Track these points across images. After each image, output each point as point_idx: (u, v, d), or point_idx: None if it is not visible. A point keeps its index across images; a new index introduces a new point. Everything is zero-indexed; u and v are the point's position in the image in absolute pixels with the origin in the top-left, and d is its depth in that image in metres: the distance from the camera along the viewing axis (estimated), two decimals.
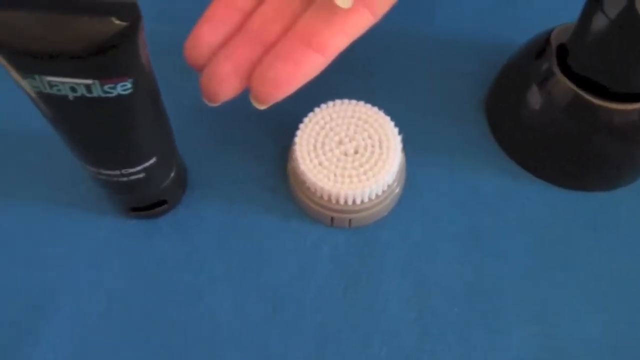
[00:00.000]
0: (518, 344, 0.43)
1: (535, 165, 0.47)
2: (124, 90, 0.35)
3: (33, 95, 0.36)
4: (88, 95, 0.35)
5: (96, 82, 0.34)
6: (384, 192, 0.44)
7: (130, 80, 0.35)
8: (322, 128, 0.44)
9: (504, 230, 0.46)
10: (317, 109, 0.45)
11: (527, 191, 0.47)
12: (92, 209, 0.47)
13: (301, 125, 0.44)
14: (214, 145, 0.48)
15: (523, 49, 0.48)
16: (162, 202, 0.45)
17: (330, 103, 0.45)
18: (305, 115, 0.45)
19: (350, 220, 0.45)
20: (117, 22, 0.32)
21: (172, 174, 0.44)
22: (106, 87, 0.35)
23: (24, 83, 0.35)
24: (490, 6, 0.54)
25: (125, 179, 0.41)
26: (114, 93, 0.35)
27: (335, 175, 0.43)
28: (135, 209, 0.45)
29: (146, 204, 0.45)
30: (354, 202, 0.44)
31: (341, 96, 0.46)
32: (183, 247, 0.46)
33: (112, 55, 0.33)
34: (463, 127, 0.49)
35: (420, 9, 0.53)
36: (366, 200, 0.44)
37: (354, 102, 0.45)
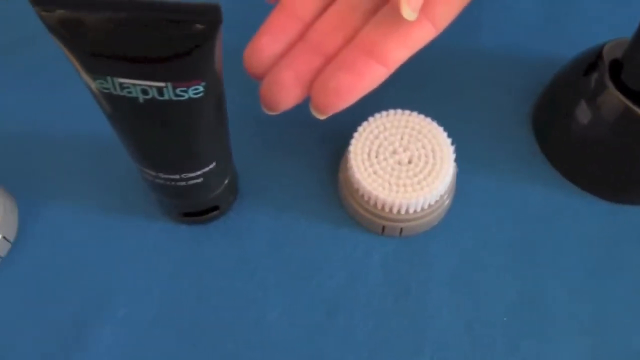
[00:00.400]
0: (567, 355, 0.43)
1: (583, 179, 0.48)
2: (196, 93, 0.35)
3: (101, 96, 0.36)
4: (159, 98, 0.35)
5: (169, 84, 0.34)
6: (436, 202, 0.45)
7: (202, 84, 0.35)
8: (376, 137, 0.45)
9: (553, 242, 0.46)
10: (371, 119, 0.45)
11: (575, 204, 0.47)
12: (143, 214, 0.47)
13: (355, 134, 0.45)
14: (265, 153, 0.48)
15: (572, 64, 0.49)
16: (214, 208, 0.45)
17: (384, 113, 0.45)
18: (355, 125, 0.46)
19: (401, 229, 0.45)
20: (200, 25, 0.32)
21: (227, 180, 0.44)
22: (178, 90, 0.35)
23: (94, 84, 0.35)
24: (537, 21, 0.55)
25: (183, 183, 0.41)
26: (185, 97, 0.35)
27: (389, 184, 0.43)
28: (188, 215, 0.45)
29: (199, 209, 0.45)
30: (406, 211, 0.44)
31: (392, 106, 0.46)
32: (234, 253, 0.46)
33: (190, 58, 0.33)
34: (511, 139, 0.49)
35: (467, 24, 0.54)
36: (418, 209, 0.44)
37: (407, 112, 0.45)
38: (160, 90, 0.35)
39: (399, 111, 0.46)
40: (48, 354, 0.44)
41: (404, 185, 0.43)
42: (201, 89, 0.35)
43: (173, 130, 0.38)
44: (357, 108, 0.45)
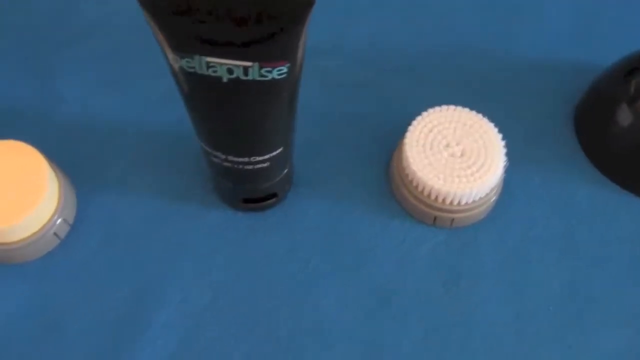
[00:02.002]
0: (611, 345, 0.44)
1: (622, 178, 0.49)
2: (280, 74, 0.37)
3: (183, 76, 0.37)
4: (243, 77, 0.36)
5: (256, 64, 0.36)
6: (486, 194, 0.46)
7: (287, 65, 0.36)
8: (430, 131, 0.46)
9: (596, 237, 0.48)
10: (424, 113, 0.47)
11: (617, 202, 0.49)
12: (200, 201, 0.48)
13: (410, 127, 0.46)
14: (317, 144, 0.50)
15: (613, 68, 0.51)
16: (273, 195, 0.47)
17: (437, 108, 0.47)
18: (405, 121, 0.47)
19: (452, 220, 0.47)
20: (295, 5, 0.34)
21: (287, 168, 0.45)
22: (264, 71, 0.36)
23: (180, 63, 0.36)
24: (572, 29, 0.57)
25: (250, 167, 0.43)
26: (269, 77, 0.37)
27: (444, 175, 0.45)
28: (247, 201, 0.47)
29: (259, 196, 0.46)
30: (459, 202, 0.46)
31: (444, 103, 0.48)
32: (288, 242, 0.47)
33: (281, 38, 0.35)
34: (554, 139, 0.51)
35: (508, 32, 0.56)
36: (470, 201, 0.46)
37: (459, 107, 0.47)
38: (246, 70, 0.36)
39: (451, 107, 0.47)
40: (105, 336, 0.45)
41: (458, 176, 0.45)
42: (285, 70, 0.37)
43: (250, 110, 0.39)
44: (407, 105, 0.47)
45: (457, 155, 0.46)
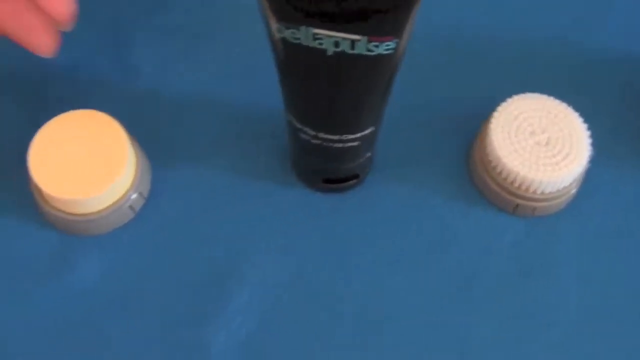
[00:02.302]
0: None
1: None
2: (386, 50, 0.36)
3: (285, 47, 0.37)
4: (349, 51, 0.36)
5: (365, 38, 0.35)
6: (569, 184, 0.46)
7: (395, 40, 0.36)
8: (516, 118, 0.46)
9: None
10: (509, 100, 0.46)
11: None
12: (277, 180, 0.47)
13: (495, 114, 0.46)
14: (397, 127, 0.49)
15: None
16: (354, 177, 0.46)
17: (522, 95, 0.46)
18: (488, 107, 0.46)
19: (534, 209, 0.46)
20: None
21: (372, 149, 0.45)
22: (371, 45, 0.36)
23: (284, 34, 0.36)
24: None
25: (340, 145, 0.42)
26: (375, 52, 0.36)
27: (529, 162, 0.44)
28: (328, 181, 0.46)
29: (341, 176, 0.46)
30: (542, 191, 0.45)
31: (525, 90, 0.47)
32: (368, 225, 0.46)
33: (394, 13, 0.34)
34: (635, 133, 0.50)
35: (601, 19, 0.55)
36: (554, 190, 0.45)
37: (544, 96, 0.47)
38: (353, 44, 0.35)
39: (536, 94, 0.47)
40: (180, 314, 0.44)
41: (543, 164, 0.44)
42: (392, 45, 0.36)
43: (351, 86, 0.38)
44: (489, 91, 0.47)
45: (542, 143, 0.45)
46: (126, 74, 0.51)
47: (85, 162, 0.44)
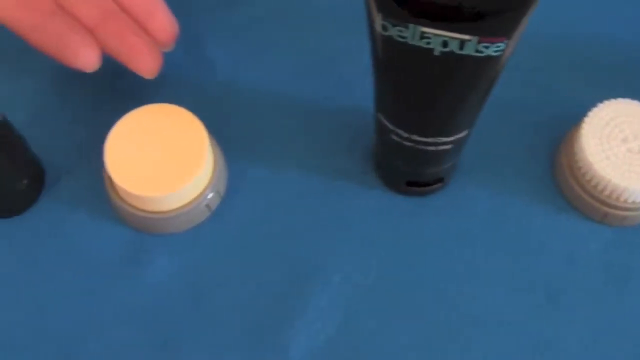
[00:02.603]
0: None
1: None
2: (496, 51, 0.35)
3: (389, 46, 0.35)
4: (457, 52, 0.34)
5: (475, 38, 0.34)
6: None
7: (505, 41, 0.34)
8: (607, 124, 0.44)
9: None
10: (600, 105, 0.45)
11: None
12: (358, 181, 0.46)
13: (586, 119, 0.44)
14: (481, 129, 0.47)
15: None
16: (439, 180, 0.45)
17: (614, 100, 0.45)
18: (576, 111, 0.45)
19: (624, 218, 0.44)
20: None
21: (460, 153, 0.43)
22: (481, 46, 0.34)
23: (390, 31, 0.34)
24: None
25: (432, 148, 0.41)
26: (484, 53, 0.34)
27: (622, 170, 0.43)
28: (412, 184, 0.44)
29: (426, 179, 0.44)
30: (633, 200, 0.43)
31: (616, 96, 0.45)
32: (451, 229, 0.45)
33: (508, 14, 0.33)
34: None
35: None
36: None
37: (635, 102, 0.45)
38: (462, 44, 0.34)
39: (628, 100, 0.45)
40: (258, 315, 0.43)
41: (636, 172, 0.43)
42: (502, 47, 0.34)
43: (454, 87, 0.37)
44: (577, 95, 0.45)
45: (635, 150, 0.44)
46: (201, 69, 0.50)
47: (163, 158, 0.43)
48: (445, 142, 0.40)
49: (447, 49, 0.34)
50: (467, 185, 0.46)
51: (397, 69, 0.37)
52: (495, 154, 0.47)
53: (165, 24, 0.44)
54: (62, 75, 0.49)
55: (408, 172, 0.44)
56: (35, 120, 0.46)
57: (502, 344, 0.42)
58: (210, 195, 0.44)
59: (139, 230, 0.45)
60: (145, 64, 0.43)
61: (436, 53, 0.35)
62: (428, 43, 0.34)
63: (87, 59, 0.42)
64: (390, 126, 0.40)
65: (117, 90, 0.49)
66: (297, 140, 0.47)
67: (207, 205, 0.44)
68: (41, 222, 0.46)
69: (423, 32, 0.34)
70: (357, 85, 0.48)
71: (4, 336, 0.43)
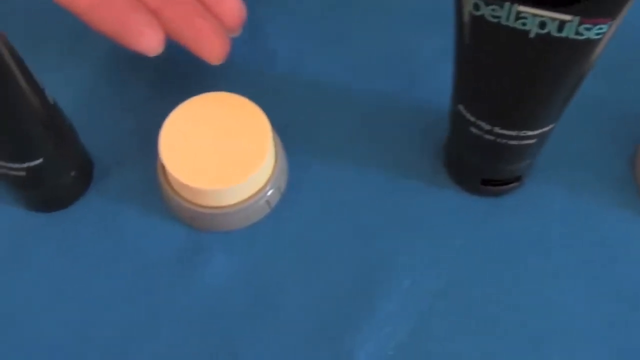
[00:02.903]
0: None
1: None
2: (597, 34, 0.32)
3: (477, 26, 0.33)
4: (554, 34, 0.32)
5: (576, 19, 0.31)
6: None
7: (609, 23, 0.31)
8: None
9: None
10: None
11: None
12: (426, 179, 0.43)
13: None
14: (560, 129, 0.45)
15: None
16: (516, 179, 0.42)
17: None
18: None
19: None
20: None
21: (541, 150, 0.40)
22: (582, 28, 0.31)
23: (483, 10, 0.32)
24: None
25: (514, 142, 0.38)
26: (585, 36, 0.32)
27: None
28: (488, 182, 0.42)
29: (504, 177, 0.41)
30: None
31: None
32: (527, 231, 0.42)
33: None
34: None
35: None
36: None
37: None
38: (561, 25, 0.31)
39: None
40: (323, 318, 0.40)
41: None
42: (604, 29, 0.32)
43: (546, 74, 0.34)
44: None
45: None
46: (262, 59, 0.47)
47: (223, 150, 0.40)
48: (529, 136, 0.37)
49: (543, 31, 0.32)
50: (543, 185, 0.43)
51: (484, 53, 0.34)
52: (573, 153, 0.44)
53: (233, 7, 0.42)
54: (113, 61, 0.47)
55: (484, 170, 0.41)
56: (84, 108, 0.43)
57: (582, 356, 0.39)
58: (270, 191, 0.41)
59: (195, 227, 0.42)
60: (213, 49, 0.41)
61: (531, 35, 0.32)
62: (524, 24, 0.32)
63: (151, 42, 0.40)
64: (472, 118, 0.38)
65: (171, 78, 0.46)
66: (362, 136, 0.45)
67: (267, 202, 0.42)
68: (88, 217, 0.43)
69: (519, 12, 0.31)
70: (426, 80, 0.46)
71: (48, 338, 0.40)
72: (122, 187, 0.44)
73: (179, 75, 0.46)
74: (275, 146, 0.42)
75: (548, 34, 0.31)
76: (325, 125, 0.45)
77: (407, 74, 0.46)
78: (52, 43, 0.47)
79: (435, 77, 0.45)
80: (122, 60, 0.47)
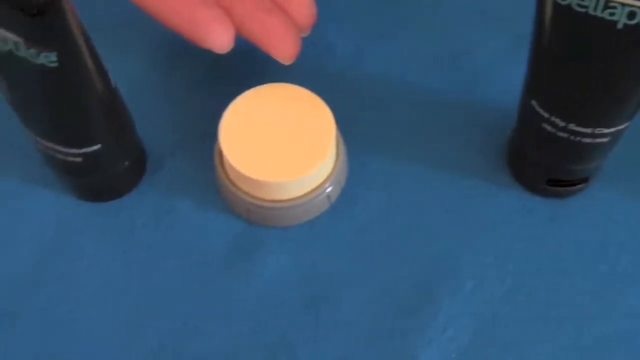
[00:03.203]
0: None
1: None
2: None
3: (559, 17, 0.32)
4: None
5: None
6: None
7: None
8: None
9: None
10: None
11: None
12: (488, 179, 0.42)
13: None
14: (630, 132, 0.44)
15: None
16: (583, 180, 0.40)
17: None
18: None
19: None
20: None
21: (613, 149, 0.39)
22: None
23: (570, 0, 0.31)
24: None
25: (588, 140, 0.37)
26: None
27: None
28: (554, 183, 0.40)
29: (572, 177, 0.40)
30: None
31: None
32: (595, 235, 0.41)
33: None
34: None
35: None
36: None
37: None
38: None
39: None
40: (385, 318, 0.39)
41: None
42: None
43: (632, 67, 0.33)
44: None
45: None
46: (321, 54, 0.46)
47: (285, 141, 0.39)
48: (604, 133, 0.36)
49: (632, 22, 0.31)
50: (609, 187, 0.42)
51: (569, 45, 0.33)
52: (636, 159, 0.43)
53: (305, 6, 0.41)
54: (166, 52, 0.46)
55: (553, 169, 0.40)
56: (136, 100, 0.42)
57: None
58: (331, 187, 0.40)
59: (251, 222, 0.41)
60: (285, 48, 0.39)
61: (619, 26, 0.31)
62: (612, 14, 0.31)
63: (221, 38, 0.39)
64: (545, 115, 0.37)
65: (224, 70, 0.46)
66: (421, 133, 0.44)
67: (328, 197, 0.40)
68: (140, 209, 0.42)
69: (608, 2, 0.30)
70: (486, 78, 0.45)
71: (100, 331, 0.39)
72: (175, 179, 0.43)
73: (233, 67, 0.45)
74: (337, 140, 0.41)
75: (637, 25, 0.31)
76: (384, 121, 0.44)
77: (466, 71, 0.45)
78: (102, 33, 0.46)
79: (496, 76, 0.45)
80: (176, 51, 0.46)
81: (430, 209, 0.41)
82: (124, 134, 0.40)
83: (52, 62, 0.32)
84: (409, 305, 0.39)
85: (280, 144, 0.39)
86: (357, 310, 0.39)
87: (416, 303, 0.39)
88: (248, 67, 0.45)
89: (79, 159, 0.38)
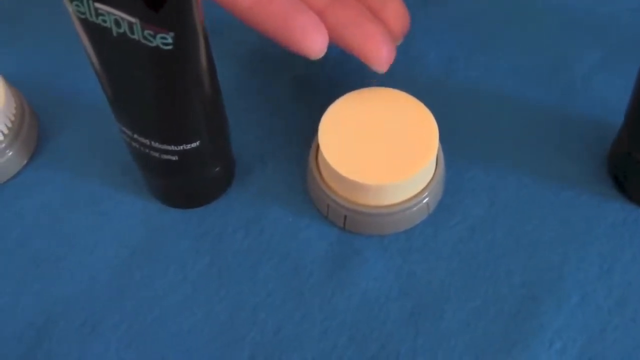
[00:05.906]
0: None
1: None
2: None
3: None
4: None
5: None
6: None
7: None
8: None
9: None
10: None
11: None
12: (595, 190, 0.41)
13: None
14: None
15: None
16: None
17: None
18: None
19: None
20: None
21: None
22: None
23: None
24: None
25: None
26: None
27: None
28: None
29: None
30: None
31: None
32: None
33: None
34: None
35: None
36: None
37: None
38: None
39: None
40: (487, 333, 0.37)
41: None
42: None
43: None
44: None
45: None
46: (412, 64, 0.46)
47: (386, 145, 0.38)
48: None
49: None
50: None
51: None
52: None
53: (400, 13, 0.40)
54: (256, 58, 0.45)
55: None
56: (232, 104, 0.41)
57: None
58: (431, 194, 0.39)
59: (346, 229, 0.40)
60: (381, 55, 0.38)
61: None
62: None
63: (315, 44, 0.38)
64: None
65: (315, 77, 0.45)
66: (520, 144, 0.43)
67: (427, 204, 0.39)
68: (229, 216, 0.41)
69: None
70: (584, 90, 0.44)
71: (187, 342, 0.37)
72: (265, 187, 0.42)
73: (324, 75, 0.45)
74: (437, 147, 0.39)
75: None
76: (480, 131, 0.43)
77: (562, 82, 0.44)
78: None
79: (595, 88, 0.44)
80: (267, 57, 0.45)
81: (532, 220, 0.40)
82: (220, 135, 0.39)
83: (167, 44, 0.31)
84: (513, 318, 0.37)
85: (381, 147, 0.38)
86: (458, 323, 0.37)
87: (520, 315, 0.37)
88: (339, 75, 0.44)
89: (174, 157, 0.37)
